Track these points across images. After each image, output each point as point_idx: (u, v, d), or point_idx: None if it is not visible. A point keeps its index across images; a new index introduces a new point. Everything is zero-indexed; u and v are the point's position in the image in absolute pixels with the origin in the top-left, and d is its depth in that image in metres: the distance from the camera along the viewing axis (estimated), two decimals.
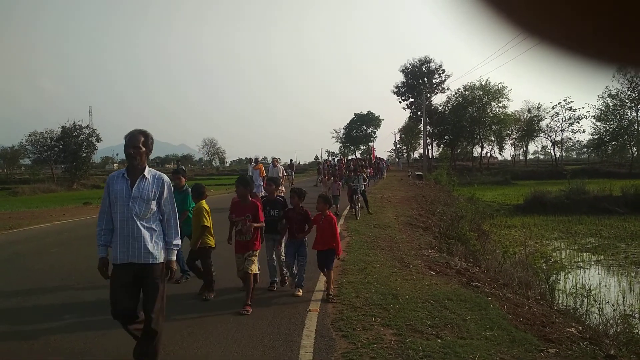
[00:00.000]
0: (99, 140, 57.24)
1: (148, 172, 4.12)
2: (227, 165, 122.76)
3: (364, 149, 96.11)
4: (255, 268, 6.11)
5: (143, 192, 4.04)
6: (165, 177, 4.22)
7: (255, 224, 6.04)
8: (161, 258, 4.08)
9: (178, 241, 4.25)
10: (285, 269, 7.03)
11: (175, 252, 4.22)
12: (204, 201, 6.78)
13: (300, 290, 6.51)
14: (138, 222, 3.98)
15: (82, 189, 48.52)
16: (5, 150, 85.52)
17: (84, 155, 55.82)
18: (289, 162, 37.35)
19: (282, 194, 16.76)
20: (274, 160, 19.91)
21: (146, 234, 4.01)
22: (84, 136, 55.79)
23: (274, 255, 6.93)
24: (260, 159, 21.24)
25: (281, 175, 18.09)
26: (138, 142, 4.03)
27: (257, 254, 6.19)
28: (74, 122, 55.17)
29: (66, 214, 18.36)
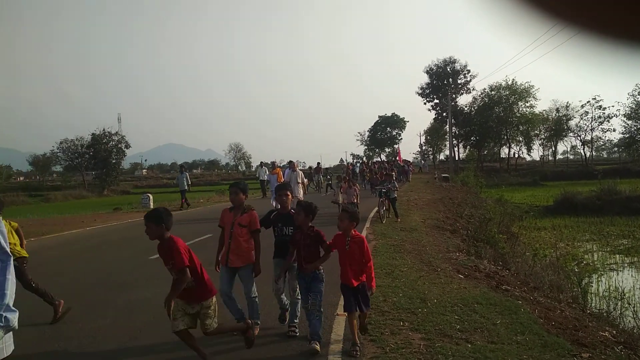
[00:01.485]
0: (127, 146, 58.43)
1: None
2: (253, 169, 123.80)
3: (389, 152, 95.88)
4: (214, 322, 4.40)
5: None
6: None
7: (174, 290, 4.15)
8: None
9: (8, 314, 2.30)
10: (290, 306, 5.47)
11: (4, 328, 2.29)
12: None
13: (318, 344, 4.68)
14: None
15: (112, 195, 49.47)
16: (38, 157, 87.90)
17: (114, 161, 57.05)
18: (316, 166, 34.65)
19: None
20: (292, 163, 17.26)
21: None
22: (113, 143, 57.02)
23: (289, 288, 5.39)
24: (278, 163, 19.61)
25: (300, 181, 16.22)
26: None
27: (214, 303, 4.42)
28: (104, 129, 56.45)
29: (97, 220, 18.72)
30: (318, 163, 35.29)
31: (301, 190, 16.26)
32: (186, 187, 22.63)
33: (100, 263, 9.74)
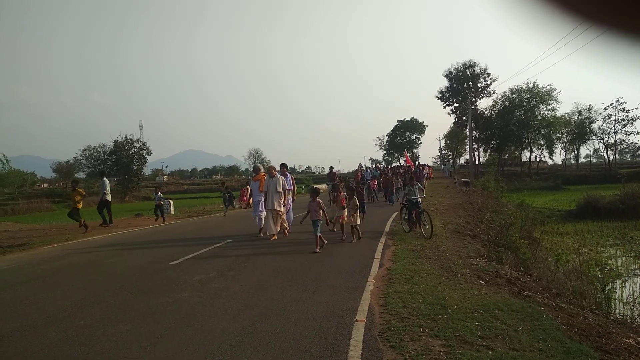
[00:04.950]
0: (149, 153, 59.19)
1: None
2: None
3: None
4: None
5: None
6: None
7: None
8: None
9: None
10: None
11: None
12: None
13: None
14: None
15: (133, 201, 50.06)
16: (61, 164, 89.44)
17: (136, 168, 57.82)
18: (329, 171, 26.86)
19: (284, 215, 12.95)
20: (271, 168, 13.61)
21: None
22: (135, 149, 57.80)
23: None
24: (263, 168, 15.35)
25: (280, 190, 12.97)
26: None
27: None
28: (126, 136, 57.23)
29: (119, 226, 18.96)
30: (331, 168, 27.03)
31: (281, 200, 13.05)
32: (107, 197, 18.24)
33: (121, 268, 9.85)
